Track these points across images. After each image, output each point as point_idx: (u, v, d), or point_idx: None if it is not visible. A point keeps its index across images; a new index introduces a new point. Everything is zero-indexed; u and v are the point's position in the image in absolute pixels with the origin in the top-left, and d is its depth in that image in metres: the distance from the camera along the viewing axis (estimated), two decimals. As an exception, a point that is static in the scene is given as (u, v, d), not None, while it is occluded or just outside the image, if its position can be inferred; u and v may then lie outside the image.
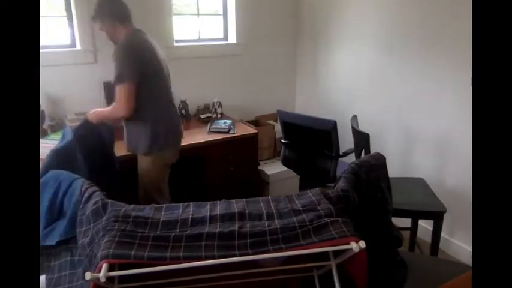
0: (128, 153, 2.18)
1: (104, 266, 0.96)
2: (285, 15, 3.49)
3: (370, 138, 2.11)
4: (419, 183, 2.20)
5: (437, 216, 1.94)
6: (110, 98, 2.75)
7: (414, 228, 2.30)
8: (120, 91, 1.87)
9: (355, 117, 2.45)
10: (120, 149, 2.21)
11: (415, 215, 2.11)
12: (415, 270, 1.49)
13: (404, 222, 2.38)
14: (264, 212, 1.19)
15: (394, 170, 1.60)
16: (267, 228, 1.11)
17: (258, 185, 3.11)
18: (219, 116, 3.10)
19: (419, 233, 2.42)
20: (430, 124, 2.48)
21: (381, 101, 2.82)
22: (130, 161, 2.14)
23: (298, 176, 2.85)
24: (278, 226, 1.12)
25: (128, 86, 1.86)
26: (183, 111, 2.96)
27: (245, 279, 1.21)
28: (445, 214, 1.92)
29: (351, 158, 2.12)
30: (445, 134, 2.39)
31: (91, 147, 1.93)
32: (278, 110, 2.54)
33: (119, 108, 1.90)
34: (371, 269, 1.13)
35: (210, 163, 2.65)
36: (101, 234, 1.11)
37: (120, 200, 1.24)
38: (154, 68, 1.99)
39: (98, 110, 2.03)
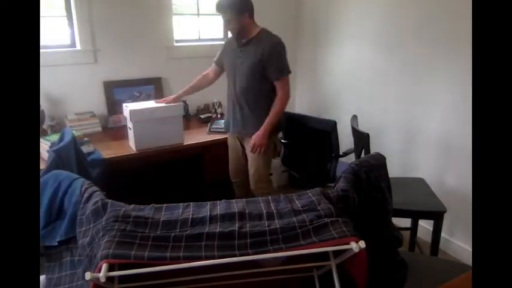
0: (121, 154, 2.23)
1: (104, 266, 0.96)
2: (285, 15, 3.49)
3: (370, 138, 2.11)
4: (419, 183, 2.20)
5: (437, 216, 1.94)
6: (111, 98, 2.76)
7: (414, 228, 2.29)
8: (286, 83, 2.16)
9: (355, 117, 2.45)
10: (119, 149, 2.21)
11: (415, 215, 2.11)
12: (415, 270, 1.49)
13: (404, 222, 2.38)
14: (264, 212, 1.19)
15: (393, 170, 1.59)
16: (267, 228, 1.11)
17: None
18: (219, 116, 3.10)
19: (419, 233, 2.41)
20: (430, 124, 2.47)
21: (381, 101, 2.82)
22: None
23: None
24: (278, 226, 1.12)
25: (288, 78, 2.17)
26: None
27: (245, 279, 1.21)
28: (445, 214, 1.92)
29: (351, 158, 2.12)
30: (445, 134, 2.39)
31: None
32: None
33: (287, 97, 2.18)
34: (371, 269, 1.13)
35: (210, 163, 2.65)
36: (101, 234, 1.11)
37: (120, 200, 1.24)
38: None
39: (267, 123, 2.20)
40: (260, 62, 2.11)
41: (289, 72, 2.16)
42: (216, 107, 3.10)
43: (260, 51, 2.11)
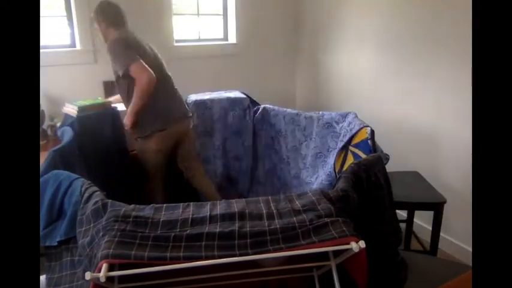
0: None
1: (104, 266, 0.96)
2: (285, 15, 3.49)
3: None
4: (415, 177, 2.21)
5: (437, 207, 1.94)
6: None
7: (410, 220, 2.28)
8: (135, 67, 2.03)
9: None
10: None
11: (415, 207, 2.10)
12: (415, 270, 1.49)
13: (399, 215, 2.38)
14: (264, 212, 1.19)
15: (388, 164, 1.62)
16: (267, 228, 1.11)
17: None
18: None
19: (414, 230, 2.42)
20: (424, 120, 2.49)
21: (380, 99, 2.82)
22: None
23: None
24: (278, 226, 1.12)
25: (138, 62, 2.04)
26: (183, 111, 2.96)
27: (245, 279, 1.21)
28: (444, 215, 1.92)
29: (351, 158, 2.12)
30: (442, 131, 2.40)
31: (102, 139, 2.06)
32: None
33: (144, 78, 2.03)
34: (371, 268, 1.13)
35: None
36: (101, 234, 1.11)
37: (122, 200, 1.24)
38: (147, 53, 2.19)
39: (128, 112, 2.14)
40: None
41: (134, 59, 2.05)
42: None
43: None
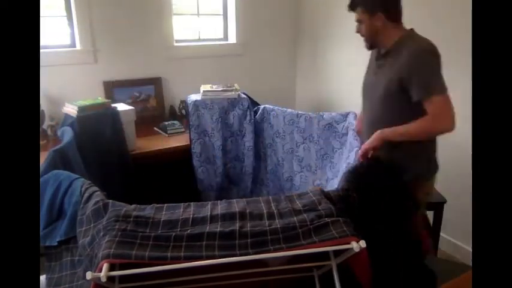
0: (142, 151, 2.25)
1: (105, 266, 0.96)
2: (285, 15, 3.48)
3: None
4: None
5: (437, 207, 1.94)
6: (111, 98, 2.76)
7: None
8: (441, 102, 1.48)
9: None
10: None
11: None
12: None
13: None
14: (265, 211, 1.19)
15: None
16: (267, 228, 1.11)
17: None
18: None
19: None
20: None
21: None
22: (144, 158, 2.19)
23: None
24: (279, 226, 1.12)
25: (447, 96, 1.50)
26: (183, 111, 2.96)
27: (245, 279, 1.21)
28: (444, 215, 1.93)
29: (351, 158, 2.12)
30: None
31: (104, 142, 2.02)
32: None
33: (446, 122, 1.49)
34: (375, 269, 1.13)
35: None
36: (101, 234, 1.11)
37: (122, 200, 1.24)
38: None
39: (387, 131, 1.56)
40: (398, 81, 1.51)
41: (445, 89, 1.51)
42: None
43: (397, 65, 1.53)
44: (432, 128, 1.52)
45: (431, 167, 1.66)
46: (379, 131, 1.56)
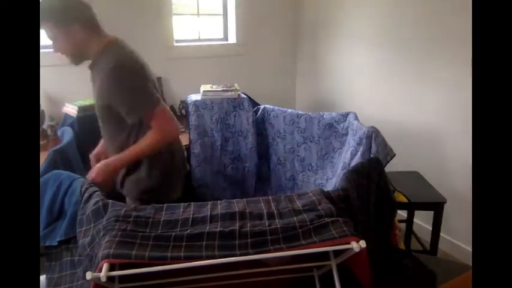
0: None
1: (105, 266, 0.96)
2: (284, 15, 3.49)
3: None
4: (415, 176, 2.22)
5: (437, 207, 1.94)
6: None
7: (410, 220, 2.29)
8: (159, 113, 1.45)
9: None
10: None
11: (415, 207, 2.11)
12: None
13: (399, 216, 2.38)
14: (265, 211, 1.19)
15: (388, 165, 1.62)
16: (267, 228, 1.11)
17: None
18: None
19: (416, 231, 2.42)
20: (423, 121, 2.49)
21: (380, 100, 2.82)
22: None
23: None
24: (279, 226, 1.12)
25: (162, 106, 1.47)
26: (183, 111, 2.96)
27: (246, 279, 1.21)
28: (444, 215, 1.93)
29: (351, 158, 2.12)
30: (442, 131, 2.40)
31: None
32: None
33: (168, 128, 1.49)
34: (375, 268, 1.13)
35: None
36: (101, 234, 1.11)
37: (121, 200, 1.24)
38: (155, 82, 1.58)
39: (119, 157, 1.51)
40: (107, 105, 1.48)
41: (157, 102, 1.45)
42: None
43: (99, 83, 1.50)
44: (160, 141, 1.49)
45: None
46: (103, 162, 1.50)
